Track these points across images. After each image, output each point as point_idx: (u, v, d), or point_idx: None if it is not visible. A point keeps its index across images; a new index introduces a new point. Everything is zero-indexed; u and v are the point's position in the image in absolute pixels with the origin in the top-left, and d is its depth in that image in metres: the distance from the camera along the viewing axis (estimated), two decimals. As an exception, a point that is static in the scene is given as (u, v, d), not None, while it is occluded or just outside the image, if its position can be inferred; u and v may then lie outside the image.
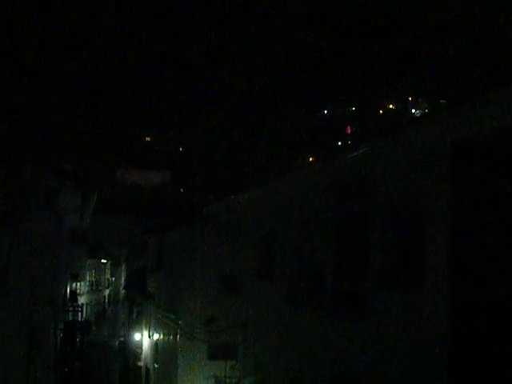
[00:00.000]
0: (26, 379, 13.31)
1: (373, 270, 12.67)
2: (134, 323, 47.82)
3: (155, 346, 38.03)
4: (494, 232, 9.16)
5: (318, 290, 15.11)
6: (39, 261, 13.69)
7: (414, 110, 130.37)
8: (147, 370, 40.84)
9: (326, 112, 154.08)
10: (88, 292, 64.78)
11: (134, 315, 48.61)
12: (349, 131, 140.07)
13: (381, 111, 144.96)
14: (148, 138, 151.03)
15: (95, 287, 69.44)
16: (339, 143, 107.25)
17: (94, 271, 69.66)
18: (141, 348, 43.52)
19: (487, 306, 9.19)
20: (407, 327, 11.26)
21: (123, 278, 60.64)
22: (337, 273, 14.46)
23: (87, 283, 65.79)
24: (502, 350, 8.88)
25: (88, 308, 58.39)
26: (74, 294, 41.95)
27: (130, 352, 47.68)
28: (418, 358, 10.92)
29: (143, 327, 43.28)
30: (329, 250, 14.83)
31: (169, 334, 33.37)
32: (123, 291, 59.61)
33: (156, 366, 37.38)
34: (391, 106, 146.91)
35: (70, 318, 31.62)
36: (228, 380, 27.00)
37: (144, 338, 42.74)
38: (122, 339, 54.07)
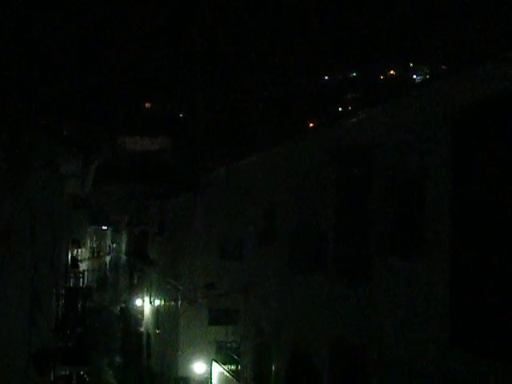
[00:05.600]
0: (29, 341, 13.43)
1: (374, 235, 12.70)
2: (135, 289, 48.03)
3: (156, 311, 38.24)
4: (496, 197, 9.16)
5: (319, 256, 15.17)
6: (41, 226, 13.72)
7: (415, 76, 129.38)
8: (148, 335, 41.11)
9: (326, 78, 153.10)
10: (89, 258, 65.04)
11: (135, 281, 48.82)
12: (349, 97, 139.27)
13: (382, 77, 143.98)
14: (148, 105, 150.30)
15: (96, 253, 69.71)
16: (340, 109, 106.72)
17: (95, 237, 69.93)
18: (142, 314, 43.73)
19: (489, 272, 9.22)
20: (409, 293, 11.31)
21: (124, 245, 60.76)
22: (338, 238, 14.50)
23: (88, 249, 66.09)
24: (502, 315, 8.93)
25: (89, 274, 58.59)
26: (75, 260, 42.10)
27: (132, 318, 47.95)
28: (419, 323, 10.99)
29: (144, 293, 43.47)
30: (330, 216, 14.85)
31: (170, 300, 33.55)
32: (124, 257, 59.80)
33: (157, 331, 37.61)
34: (392, 72, 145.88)
35: (72, 285, 31.76)
36: (229, 345, 27.26)
37: (145, 304, 42.94)
38: (123, 305, 54.31)
